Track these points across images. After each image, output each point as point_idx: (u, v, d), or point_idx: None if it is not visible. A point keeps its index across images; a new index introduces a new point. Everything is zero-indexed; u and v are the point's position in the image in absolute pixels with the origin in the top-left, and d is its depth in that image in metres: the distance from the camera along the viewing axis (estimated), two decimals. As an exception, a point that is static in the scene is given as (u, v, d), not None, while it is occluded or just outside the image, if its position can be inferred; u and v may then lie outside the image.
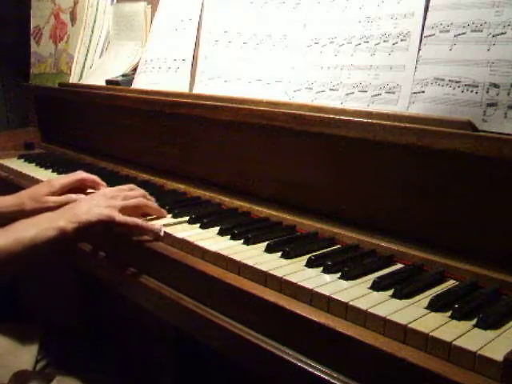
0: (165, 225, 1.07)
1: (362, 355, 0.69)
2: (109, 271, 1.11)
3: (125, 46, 1.78)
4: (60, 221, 0.98)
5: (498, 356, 0.61)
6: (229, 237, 1.01)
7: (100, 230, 1.02)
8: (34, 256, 0.98)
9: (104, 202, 1.04)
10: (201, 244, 0.96)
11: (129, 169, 1.53)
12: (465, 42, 0.91)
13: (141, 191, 1.14)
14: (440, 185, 0.89)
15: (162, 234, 1.04)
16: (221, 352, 0.88)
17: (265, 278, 0.85)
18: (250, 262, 0.88)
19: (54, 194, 1.20)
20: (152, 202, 1.13)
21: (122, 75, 1.66)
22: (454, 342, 0.64)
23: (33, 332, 1.29)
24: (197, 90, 1.37)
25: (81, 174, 1.27)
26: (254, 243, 0.97)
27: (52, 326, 1.36)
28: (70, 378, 1.13)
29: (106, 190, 1.13)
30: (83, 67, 1.90)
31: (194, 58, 1.44)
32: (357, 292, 0.78)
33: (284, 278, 0.82)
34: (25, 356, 1.21)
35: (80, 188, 1.25)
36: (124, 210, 1.05)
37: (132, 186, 1.17)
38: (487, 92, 0.85)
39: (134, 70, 1.64)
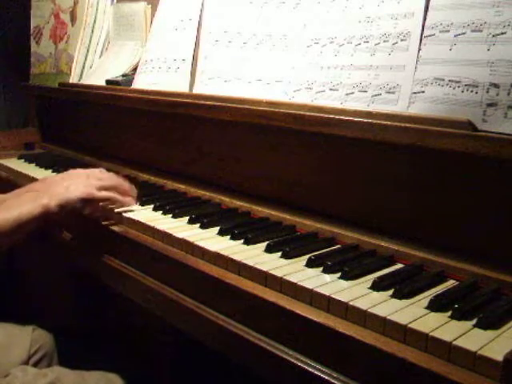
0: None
1: (362, 355, 0.69)
2: (108, 271, 1.11)
3: (125, 46, 1.78)
4: (43, 199, 1.07)
5: (498, 356, 0.61)
6: (229, 237, 1.01)
7: (79, 208, 1.10)
8: (20, 232, 1.06)
9: (82, 181, 1.13)
10: (201, 244, 0.96)
11: (129, 169, 1.53)
12: (465, 41, 0.91)
13: (111, 173, 1.22)
14: (440, 185, 0.89)
15: (132, 207, 1.16)
16: (221, 352, 0.88)
17: (265, 278, 0.84)
18: (249, 262, 0.88)
19: None
20: (125, 183, 1.20)
21: (122, 75, 1.66)
22: (454, 342, 0.64)
23: (26, 328, 1.30)
24: (197, 90, 1.37)
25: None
26: (254, 243, 0.97)
27: (45, 322, 1.37)
28: (64, 373, 1.14)
29: (83, 171, 1.20)
30: (83, 67, 1.90)
31: (194, 58, 1.44)
32: (357, 292, 0.78)
33: (284, 277, 0.82)
34: (17, 351, 1.22)
35: None
36: (100, 189, 1.13)
37: (102, 169, 1.25)
38: (487, 92, 0.85)
39: (134, 69, 1.64)
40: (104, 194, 1.13)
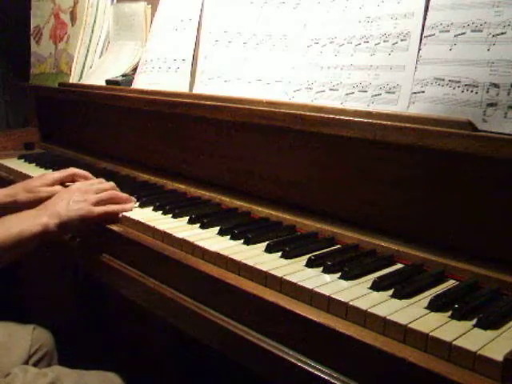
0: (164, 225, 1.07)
1: (362, 355, 0.69)
2: (108, 271, 1.11)
3: (125, 45, 1.78)
4: (43, 217, 1.08)
5: (498, 356, 0.61)
6: (229, 237, 1.01)
7: (79, 225, 1.12)
8: (20, 249, 1.07)
9: (80, 198, 1.13)
10: (201, 244, 0.96)
11: (129, 169, 1.53)
12: (465, 41, 0.91)
13: (110, 183, 1.24)
14: (440, 185, 0.89)
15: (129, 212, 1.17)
16: (221, 352, 0.88)
17: (265, 278, 0.84)
18: (249, 262, 0.88)
19: (46, 186, 1.28)
20: (121, 193, 1.22)
21: (122, 75, 1.66)
22: (454, 342, 0.64)
23: (26, 327, 1.30)
24: (197, 90, 1.37)
25: (73, 170, 1.34)
26: (254, 243, 0.97)
27: (46, 321, 1.37)
28: (64, 373, 1.14)
29: (79, 185, 1.21)
30: (83, 67, 1.90)
31: (194, 58, 1.44)
32: (357, 292, 0.78)
33: (284, 277, 0.82)
34: (18, 351, 1.22)
35: (72, 182, 1.32)
36: (98, 203, 1.15)
37: (101, 180, 1.27)
38: (487, 92, 0.85)
39: (134, 69, 1.64)
40: (102, 209, 1.14)
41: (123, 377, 1.18)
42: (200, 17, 1.45)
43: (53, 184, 1.29)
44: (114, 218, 1.15)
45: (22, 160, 1.78)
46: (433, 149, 0.86)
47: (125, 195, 1.22)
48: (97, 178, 1.31)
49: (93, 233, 1.18)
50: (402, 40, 1.01)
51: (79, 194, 1.15)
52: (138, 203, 1.21)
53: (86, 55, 1.90)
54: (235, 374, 1.25)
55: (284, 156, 1.13)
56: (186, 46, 1.46)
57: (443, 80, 0.91)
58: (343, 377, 0.70)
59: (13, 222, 1.08)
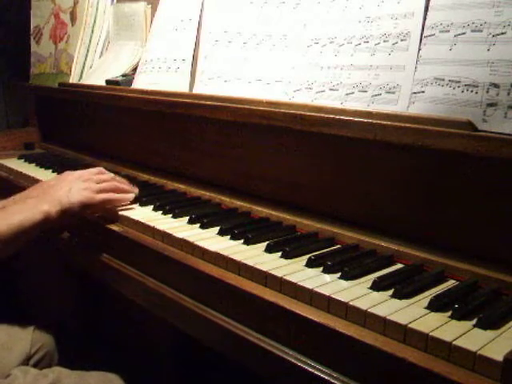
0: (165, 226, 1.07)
1: (362, 355, 0.69)
2: (108, 271, 1.11)
3: (125, 45, 1.78)
4: (44, 205, 1.07)
5: (498, 356, 0.61)
6: (229, 237, 1.01)
7: (80, 212, 1.12)
8: (22, 238, 1.06)
9: (82, 185, 1.13)
10: (201, 244, 0.96)
11: (129, 169, 1.53)
12: (465, 41, 0.91)
13: (111, 174, 1.23)
14: (440, 185, 0.89)
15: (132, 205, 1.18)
16: (221, 352, 0.88)
17: (265, 278, 0.85)
18: (249, 262, 0.88)
19: None
20: (122, 184, 1.21)
21: (122, 75, 1.66)
22: (454, 342, 0.64)
23: (27, 328, 1.30)
24: (197, 90, 1.37)
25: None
26: (254, 243, 0.97)
27: (46, 322, 1.37)
28: (64, 374, 1.14)
29: (80, 173, 1.20)
30: (83, 67, 1.90)
31: (194, 58, 1.44)
32: (357, 292, 0.78)
33: (284, 277, 0.82)
34: (18, 352, 1.22)
35: None
36: (100, 193, 1.14)
37: (102, 169, 1.25)
38: (487, 92, 0.85)
39: (134, 69, 1.64)
40: (103, 196, 1.14)
41: (123, 377, 1.18)
42: (200, 17, 1.45)
43: None
44: (114, 208, 1.15)
45: (22, 160, 1.78)
46: (433, 149, 0.86)
47: (126, 186, 1.22)
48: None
49: (92, 232, 1.18)
50: (402, 40, 1.00)
51: (80, 182, 1.14)
52: (137, 203, 1.21)
53: (86, 55, 1.90)
54: (235, 373, 1.25)
55: (284, 156, 1.13)
56: (185, 46, 1.46)
57: (443, 80, 0.91)
58: (343, 377, 0.70)
59: (13, 212, 1.07)
